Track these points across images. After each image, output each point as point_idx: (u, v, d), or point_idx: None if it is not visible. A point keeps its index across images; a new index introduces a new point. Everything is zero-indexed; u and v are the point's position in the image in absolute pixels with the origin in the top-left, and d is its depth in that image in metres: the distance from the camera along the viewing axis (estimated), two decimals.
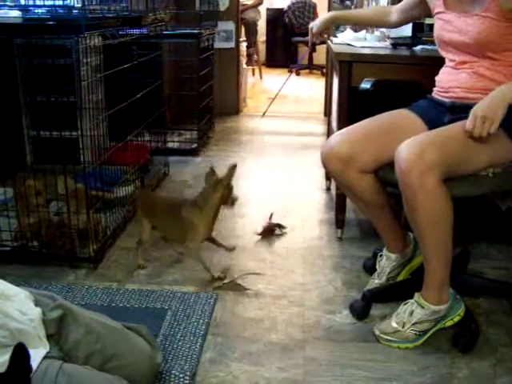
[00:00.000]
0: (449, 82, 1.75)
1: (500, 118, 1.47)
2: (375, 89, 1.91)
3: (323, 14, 2.77)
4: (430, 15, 1.87)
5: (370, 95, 1.92)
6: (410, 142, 1.53)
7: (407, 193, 1.52)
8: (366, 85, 1.93)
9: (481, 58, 1.66)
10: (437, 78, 1.83)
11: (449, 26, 1.72)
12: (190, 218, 1.97)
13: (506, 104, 1.49)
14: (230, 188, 1.99)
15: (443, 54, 1.81)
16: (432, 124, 1.72)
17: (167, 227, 2.10)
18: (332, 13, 2.29)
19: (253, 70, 7.40)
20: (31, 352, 1.21)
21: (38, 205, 2.14)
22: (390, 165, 1.66)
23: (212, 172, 1.99)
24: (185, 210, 1.98)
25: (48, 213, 2.18)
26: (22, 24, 1.98)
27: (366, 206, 1.86)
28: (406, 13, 2.04)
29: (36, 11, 2.21)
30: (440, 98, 1.79)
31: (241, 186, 2.89)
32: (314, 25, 2.20)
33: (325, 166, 1.83)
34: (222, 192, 1.96)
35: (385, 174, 1.74)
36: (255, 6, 7.27)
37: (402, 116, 1.83)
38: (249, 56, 6.82)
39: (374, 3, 3.41)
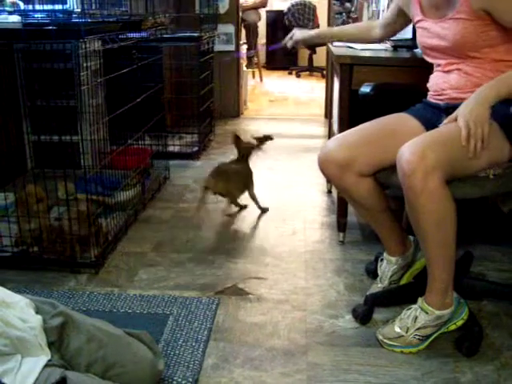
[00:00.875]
0: (440, 85, 1.76)
1: (487, 122, 1.48)
2: (375, 93, 1.90)
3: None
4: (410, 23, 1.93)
5: (370, 99, 1.91)
6: (411, 143, 1.52)
7: (410, 195, 1.50)
8: (365, 89, 1.92)
9: (464, 58, 1.68)
10: (428, 85, 1.84)
11: (428, 32, 1.75)
12: (251, 169, 2.69)
13: (488, 106, 1.50)
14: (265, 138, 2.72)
15: (429, 59, 1.82)
16: (430, 126, 1.72)
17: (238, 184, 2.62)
18: (317, 30, 2.34)
19: (253, 73, 7.40)
20: (32, 360, 1.21)
21: (39, 210, 2.13)
22: (390, 168, 1.65)
23: (237, 137, 2.62)
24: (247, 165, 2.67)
25: (49, 218, 2.18)
26: (22, 29, 1.98)
27: (365, 210, 1.85)
28: (390, 26, 2.07)
29: (35, 16, 2.21)
30: (435, 101, 1.79)
31: None
32: (298, 32, 2.36)
33: (322, 171, 1.81)
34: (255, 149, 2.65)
35: (386, 176, 1.73)
36: (257, 8, 7.27)
37: (400, 119, 1.82)
38: (249, 58, 6.82)
39: (374, 5, 3.40)
